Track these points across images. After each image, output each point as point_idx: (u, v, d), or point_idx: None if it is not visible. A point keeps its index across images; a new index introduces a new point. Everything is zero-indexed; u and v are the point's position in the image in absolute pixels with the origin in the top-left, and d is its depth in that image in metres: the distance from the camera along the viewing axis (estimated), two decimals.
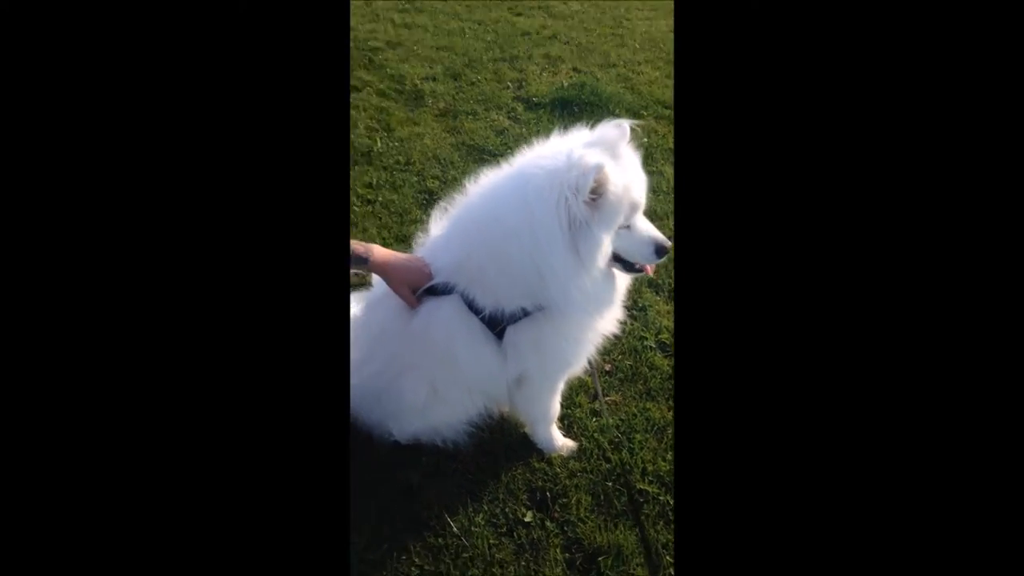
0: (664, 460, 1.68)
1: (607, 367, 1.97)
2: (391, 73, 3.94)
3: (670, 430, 1.78)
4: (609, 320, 1.47)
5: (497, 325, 1.39)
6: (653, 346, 2.07)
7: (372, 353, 1.54)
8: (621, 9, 5.50)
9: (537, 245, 1.25)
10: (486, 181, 1.41)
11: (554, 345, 1.42)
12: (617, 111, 3.60)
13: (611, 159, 1.27)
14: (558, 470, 1.65)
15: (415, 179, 2.88)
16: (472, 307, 1.38)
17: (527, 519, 1.54)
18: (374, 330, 1.55)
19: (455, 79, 3.93)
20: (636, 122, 1.39)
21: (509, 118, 3.49)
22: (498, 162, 3.02)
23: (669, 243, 1.38)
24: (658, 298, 2.29)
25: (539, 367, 1.47)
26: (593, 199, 1.22)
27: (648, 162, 3.08)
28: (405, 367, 1.51)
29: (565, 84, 3.88)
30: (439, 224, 1.52)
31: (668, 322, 2.16)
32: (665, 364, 2.00)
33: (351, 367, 1.57)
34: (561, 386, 1.63)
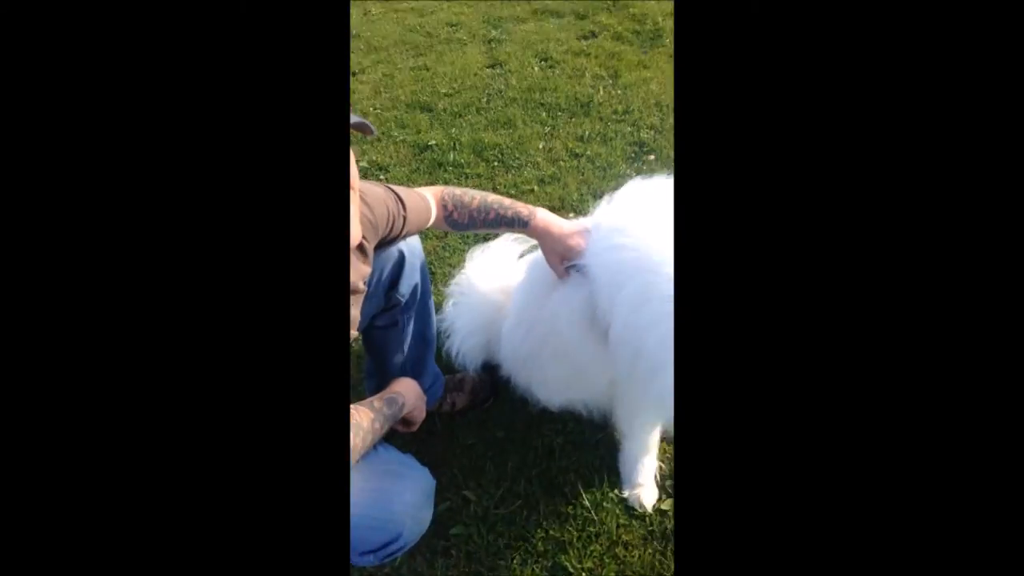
0: None
1: None
2: (633, 13, 3.79)
3: None
4: None
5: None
6: None
7: (520, 316, 1.58)
8: None
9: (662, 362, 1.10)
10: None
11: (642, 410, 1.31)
12: None
13: None
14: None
15: (629, 129, 2.78)
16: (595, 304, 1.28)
17: (664, 507, 1.45)
18: (523, 293, 1.57)
19: None
20: None
21: None
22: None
23: None
24: None
25: (636, 386, 1.31)
26: None
27: None
28: (546, 337, 1.50)
29: None
30: (636, 194, 1.36)
31: None
32: None
33: (507, 326, 1.63)
34: (666, 412, 1.41)
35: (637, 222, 1.26)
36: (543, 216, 1.41)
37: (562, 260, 1.37)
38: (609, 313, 1.24)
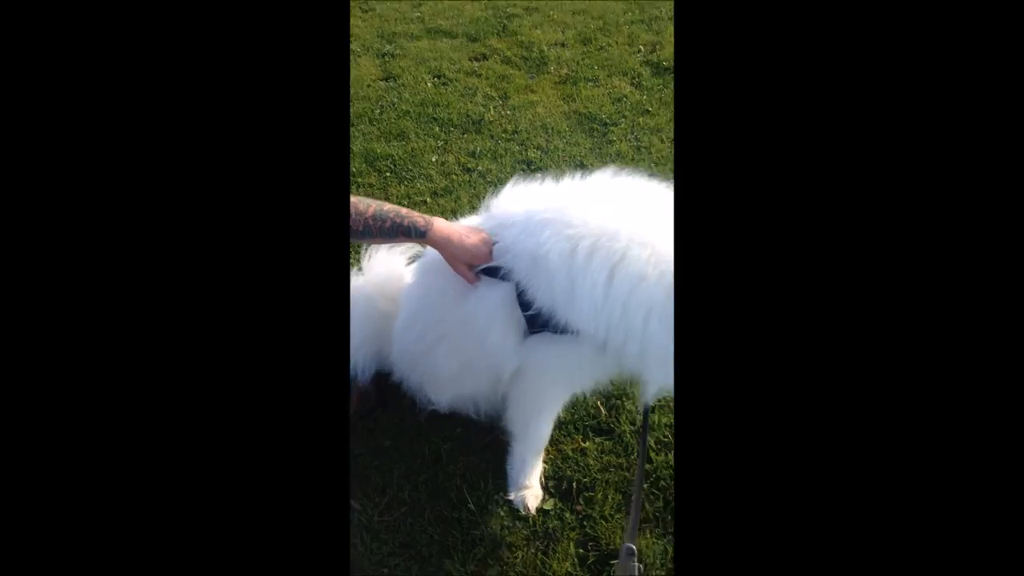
0: None
1: None
2: (521, 40, 3.95)
3: None
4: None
5: (538, 325, 1.31)
6: None
7: (415, 318, 1.59)
8: None
9: (663, 316, 1.14)
10: (618, 192, 1.30)
11: (583, 368, 1.35)
12: None
13: None
14: (592, 461, 1.60)
15: (518, 148, 2.89)
16: (521, 298, 1.32)
17: (547, 507, 1.52)
18: (421, 295, 1.59)
19: (585, 44, 3.84)
20: None
21: (632, 85, 3.35)
22: (606, 136, 2.95)
23: None
24: None
25: (550, 380, 1.40)
26: None
27: None
28: (443, 335, 1.53)
29: None
30: (518, 197, 1.42)
31: None
32: None
33: (398, 329, 1.64)
34: (559, 408, 1.53)
35: (539, 207, 1.33)
36: (441, 225, 1.42)
37: (470, 266, 1.40)
38: (552, 298, 1.26)
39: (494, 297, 1.36)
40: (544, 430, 1.53)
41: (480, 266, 1.38)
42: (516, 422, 1.52)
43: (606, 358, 1.28)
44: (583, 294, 1.20)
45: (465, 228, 1.43)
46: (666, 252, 1.16)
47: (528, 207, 1.36)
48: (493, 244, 1.37)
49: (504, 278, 1.33)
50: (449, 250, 1.40)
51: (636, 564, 1.00)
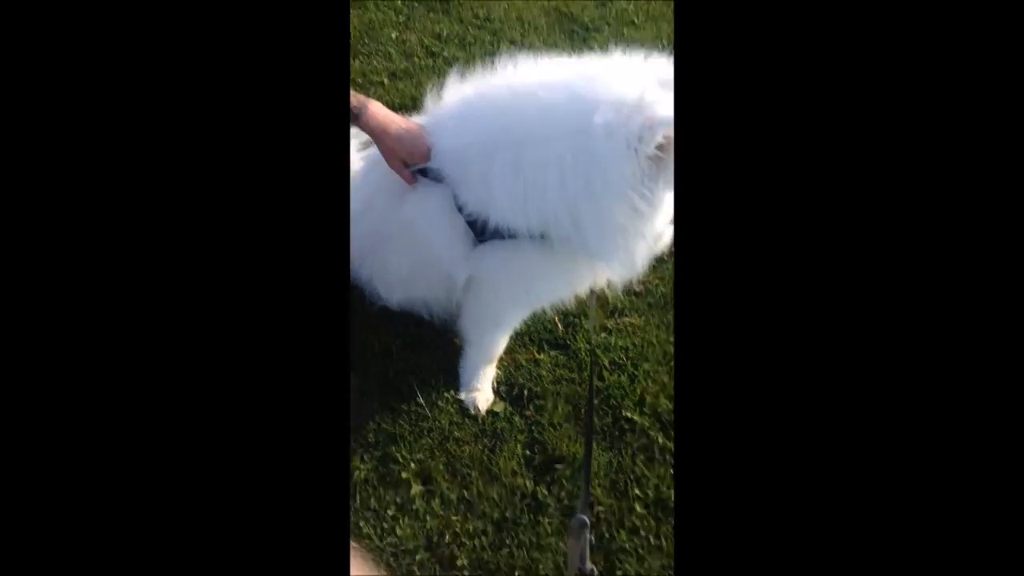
0: (667, 399, 1.59)
1: (637, 288, 1.85)
2: None
3: None
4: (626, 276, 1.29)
5: (485, 233, 1.23)
6: None
7: (364, 212, 1.47)
8: None
9: (590, 190, 1.09)
10: (528, 81, 1.19)
11: (534, 279, 1.29)
12: None
13: None
14: (544, 372, 1.60)
15: (489, 37, 2.70)
16: (457, 203, 1.24)
17: (496, 409, 1.51)
18: (368, 189, 1.47)
19: None
20: None
21: None
22: (586, 41, 2.81)
23: None
24: None
25: (503, 294, 1.34)
26: (659, 155, 1.05)
27: None
28: (390, 236, 1.43)
29: None
30: (457, 94, 1.32)
31: None
32: None
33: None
34: (516, 323, 1.50)
35: (477, 105, 1.24)
36: (376, 110, 1.27)
37: (406, 164, 1.28)
38: (477, 199, 1.20)
39: (431, 202, 1.28)
40: (499, 341, 1.50)
41: (417, 166, 1.27)
42: (470, 331, 1.48)
43: (556, 262, 1.24)
44: (500, 189, 1.15)
45: (404, 120, 1.30)
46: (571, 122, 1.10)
47: (463, 103, 1.27)
48: (429, 142, 1.26)
49: (439, 180, 1.25)
50: (385, 143, 1.28)
51: (588, 538, 0.94)
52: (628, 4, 3.05)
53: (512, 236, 1.20)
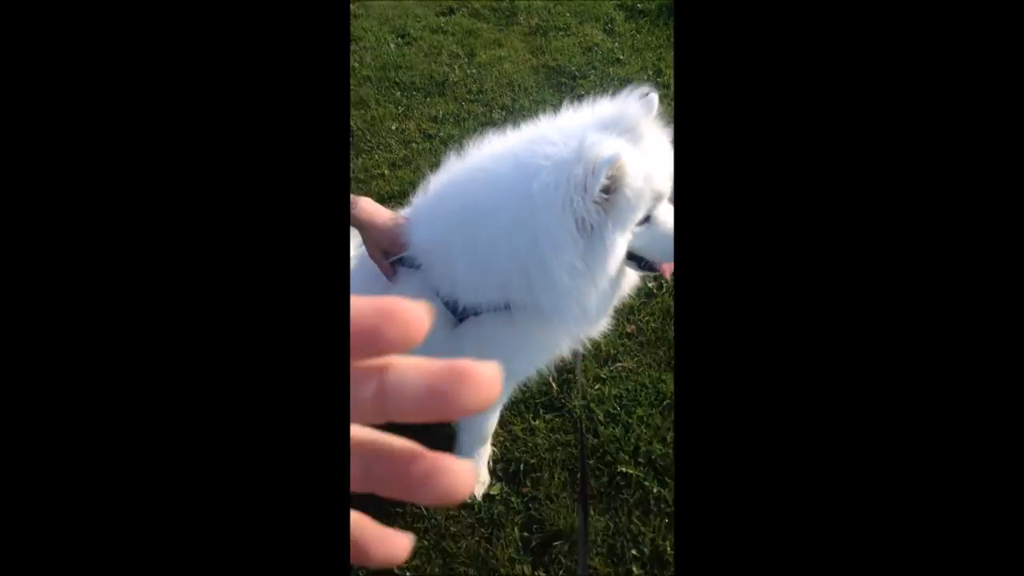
0: (662, 443, 1.55)
1: (629, 329, 1.83)
2: None
3: None
4: (594, 328, 1.30)
5: (455, 312, 1.28)
6: None
7: None
8: None
9: (536, 251, 1.11)
10: (482, 157, 1.25)
11: (511, 350, 1.31)
12: None
13: (631, 142, 1.11)
14: (540, 440, 1.60)
15: (482, 110, 2.81)
16: (433, 287, 1.29)
17: (493, 491, 1.53)
18: (360, 285, 1.57)
19: None
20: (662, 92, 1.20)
21: (604, 31, 3.22)
22: (574, 90, 2.85)
23: None
24: None
25: None
26: (606, 197, 1.07)
27: None
28: None
29: None
30: (436, 179, 1.38)
31: None
32: None
33: None
34: (504, 400, 1.51)
35: (444, 189, 1.30)
36: (366, 205, 1.38)
37: (386, 254, 1.37)
38: (455, 282, 1.24)
39: (410, 290, 1.33)
40: (490, 419, 1.52)
41: (395, 256, 1.35)
42: None
43: (528, 331, 1.26)
44: (462, 267, 1.18)
45: (390, 213, 1.40)
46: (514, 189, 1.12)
47: (435, 188, 1.33)
48: (407, 233, 1.33)
49: (414, 267, 1.31)
50: (371, 235, 1.37)
51: None
52: (613, 43, 3.09)
53: (483, 312, 1.24)
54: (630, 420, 1.61)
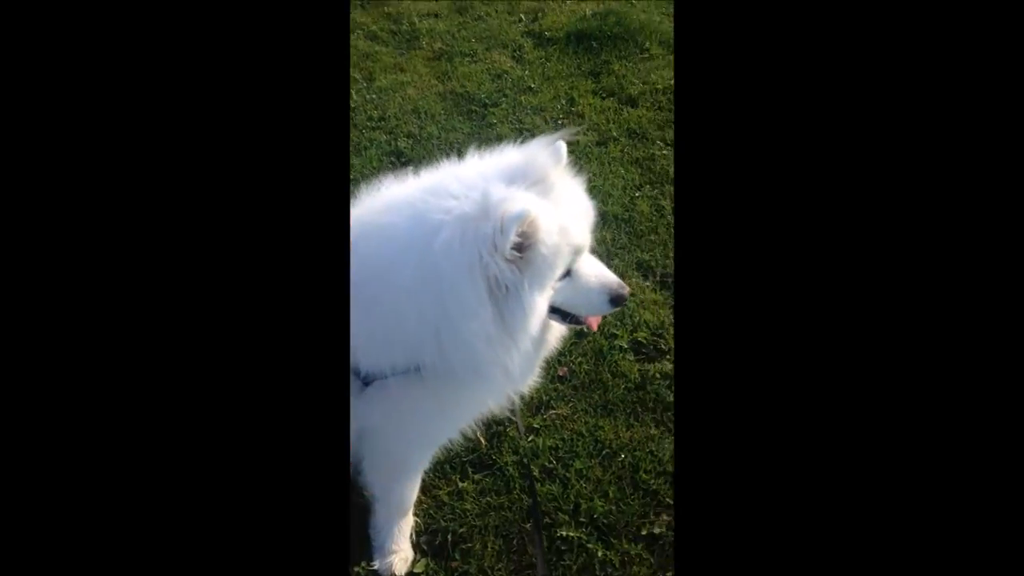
0: (604, 498, 1.42)
1: (561, 371, 1.71)
2: (388, 11, 3.66)
3: (623, 456, 1.51)
4: (521, 387, 1.17)
5: (360, 377, 1.11)
6: (625, 346, 1.77)
7: None
8: None
9: (445, 314, 0.98)
10: (377, 206, 1.09)
11: (425, 415, 1.16)
12: (648, 43, 3.18)
13: (541, 194, 1.00)
14: (469, 506, 1.43)
15: (385, 138, 2.64)
16: None
17: (417, 569, 1.34)
18: None
19: (461, 13, 3.60)
20: (575, 133, 1.09)
21: (513, 58, 3.16)
22: (485, 119, 2.75)
23: (626, 289, 1.09)
24: (646, 284, 1.98)
25: (400, 438, 1.20)
26: (519, 256, 0.95)
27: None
28: None
29: (588, 13, 3.47)
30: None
31: (651, 316, 1.85)
32: (635, 371, 1.71)
33: None
34: (425, 465, 1.35)
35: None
36: None
37: None
38: (356, 345, 1.04)
39: None
40: (409, 489, 1.34)
41: None
42: (375, 485, 1.33)
43: (443, 395, 1.10)
44: (362, 328, 1.01)
45: None
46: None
47: None
48: None
49: None
50: None
51: None
52: (523, 71, 3.03)
53: (388, 375, 1.08)
54: (568, 474, 1.47)
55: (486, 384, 1.10)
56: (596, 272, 1.09)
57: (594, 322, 1.16)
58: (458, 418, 1.22)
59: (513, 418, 1.41)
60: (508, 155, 1.07)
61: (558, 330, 1.18)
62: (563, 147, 1.05)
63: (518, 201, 0.94)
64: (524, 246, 0.95)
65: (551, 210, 0.98)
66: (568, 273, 1.05)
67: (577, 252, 1.04)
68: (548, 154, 1.03)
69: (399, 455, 1.27)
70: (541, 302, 1.01)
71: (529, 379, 1.17)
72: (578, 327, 1.18)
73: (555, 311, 1.09)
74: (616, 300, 1.09)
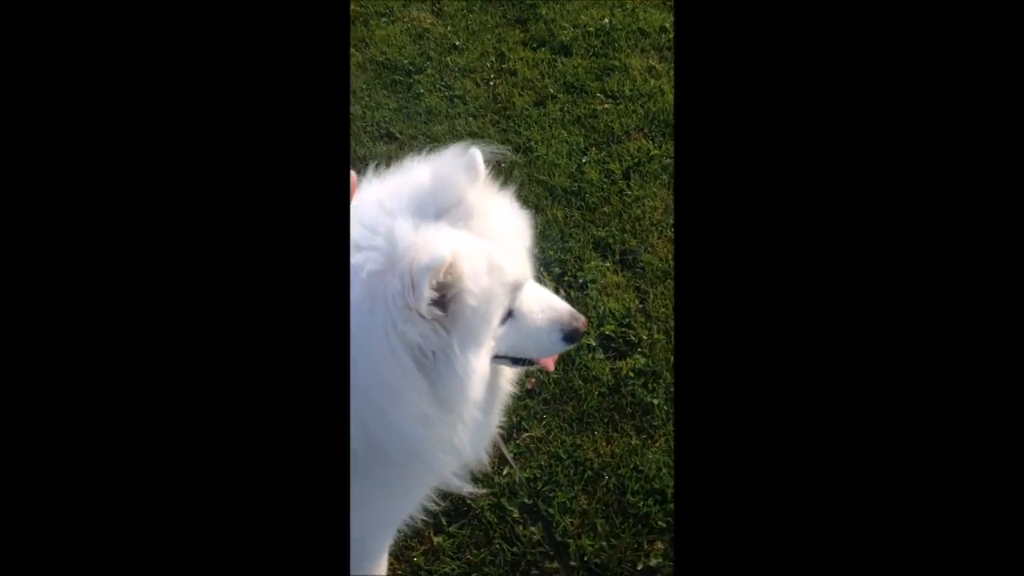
0: (592, 535, 1.31)
1: (529, 384, 1.57)
2: None
3: (607, 477, 1.40)
4: (478, 455, 1.00)
5: None
6: (593, 344, 1.63)
7: None
8: None
9: (365, 397, 0.81)
10: None
11: (375, 501, 0.99)
12: None
13: (460, 221, 0.82)
14: (448, 568, 1.32)
15: None
16: None
17: None
18: None
19: None
20: (495, 147, 0.90)
21: (433, 13, 2.85)
22: (411, 88, 2.50)
23: (581, 320, 0.92)
24: (605, 265, 1.81)
25: (359, 522, 1.07)
26: (440, 313, 0.78)
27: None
28: None
29: None
30: None
31: (616, 304, 1.70)
32: (607, 372, 1.57)
33: None
34: (388, 545, 1.21)
35: None
36: None
37: None
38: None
39: None
40: (375, 564, 1.21)
41: None
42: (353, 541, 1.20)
43: (388, 477, 0.96)
44: None
45: None
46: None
47: None
48: None
49: None
50: None
51: None
52: (444, 27, 2.74)
53: None
54: (550, 511, 1.36)
55: (433, 465, 0.95)
56: (543, 306, 0.92)
57: (549, 363, 1.02)
58: (411, 500, 1.08)
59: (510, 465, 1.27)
60: (414, 174, 0.88)
61: (510, 375, 1.03)
62: (478, 156, 0.86)
63: (430, 243, 0.76)
64: (446, 299, 0.78)
65: (474, 244, 0.81)
66: (510, 314, 0.89)
67: (515, 288, 0.87)
68: (461, 168, 0.84)
69: (354, 541, 1.14)
70: (480, 362, 0.85)
71: (486, 444, 1.03)
72: (531, 367, 1.03)
73: (501, 357, 0.94)
74: (570, 336, 0.93)
